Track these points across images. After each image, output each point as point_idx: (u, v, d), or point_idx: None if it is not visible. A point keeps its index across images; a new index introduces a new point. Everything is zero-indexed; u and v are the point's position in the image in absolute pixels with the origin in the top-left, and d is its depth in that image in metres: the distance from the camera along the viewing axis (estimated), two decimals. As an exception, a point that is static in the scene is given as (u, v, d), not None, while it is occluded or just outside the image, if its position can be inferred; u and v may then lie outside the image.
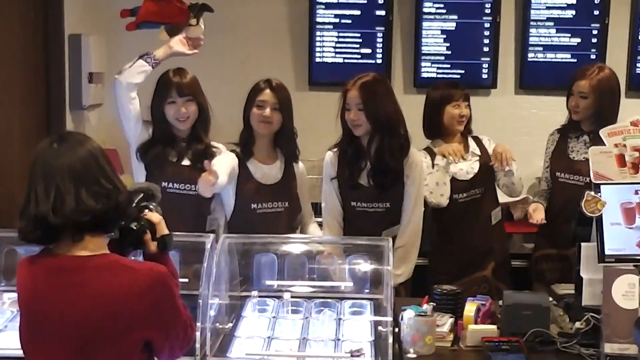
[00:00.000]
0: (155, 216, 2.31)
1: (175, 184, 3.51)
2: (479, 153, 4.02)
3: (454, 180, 3.91)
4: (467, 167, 3.99)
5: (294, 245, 3.28)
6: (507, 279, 3.99)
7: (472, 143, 4.04)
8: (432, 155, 3.96)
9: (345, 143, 3.56)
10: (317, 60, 5.29)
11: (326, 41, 5.27)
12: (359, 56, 5.28)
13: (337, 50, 5.29)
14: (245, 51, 5.20)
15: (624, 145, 3.06)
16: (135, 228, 2.24)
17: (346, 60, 5.27)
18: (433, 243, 3.97)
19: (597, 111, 3.86)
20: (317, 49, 5.28)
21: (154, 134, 3.58)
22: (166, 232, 2.31)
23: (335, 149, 3.61)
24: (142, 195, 2.32)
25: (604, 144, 3.09)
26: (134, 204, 2.25)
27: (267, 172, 3.58)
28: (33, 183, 2.05)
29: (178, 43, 3.61)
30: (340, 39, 5.25)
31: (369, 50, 5.26)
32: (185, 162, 3.57)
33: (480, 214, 3.94)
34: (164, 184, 3.48)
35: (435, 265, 3.96)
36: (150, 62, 3.51)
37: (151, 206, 2.31)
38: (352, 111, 3.52)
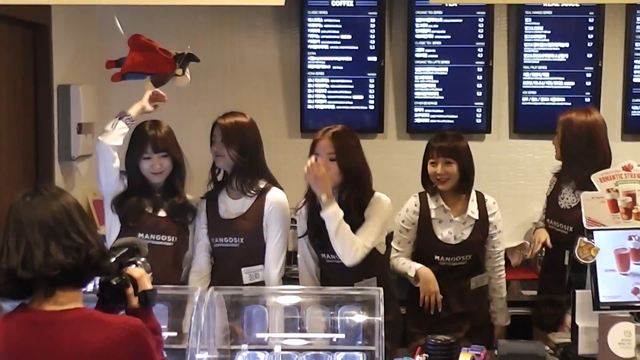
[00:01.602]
0: (136, 271, 2.36)
1: (151, 235, 3.53)
2: (476, 217, 3.87)
3: (438, 242, 3.80)
4: (457, 232, 3.86)
5: (285, 297, 3.29)
6: (486, 340, 3.80)
7: (472, 204, 3.88)
8: (424, 200, 3.88)
9: (313, 196, 3.56)
10: (309, 107, 5.28)
11: (318, 88, 5.26)
12: (351, 102, 5.27)
13: (329, 96, 5.27)
14: (236, 97, 5.18)
15: (617, 191, 3.09)
16: (115, 283, 2.26)
17: (338, 107, 5.27)
18: (408, 294, 3.90)
19: (563, 152, 3.89)
20: (309, 96, 5.27)
21: (130, 184, 3.62)
22: (149, 287, 2.34)
23: (304, 203, 3.63)
24: (126, 250, 2.36)
25: (593, 189, 3.09)
26: (113, 259, 2.27)
27: (230, 206, 3.61)
28: (5, 236, 2.09)
29: (147, 101, 3.69)
30: (332, 85, 5.25)
31: (361, 97, 5.25)
32: (162, 213, 3.61)
33: (460, 279, 3.85)
34: (140, 234, 3.51)
35: (411, 316, 3.90)
36: (129, 123, 3.58)
37: (139, 262, 2.35)
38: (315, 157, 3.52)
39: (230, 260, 3.56)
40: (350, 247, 3.40)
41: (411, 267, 3.77)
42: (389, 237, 3.86)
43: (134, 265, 2.36)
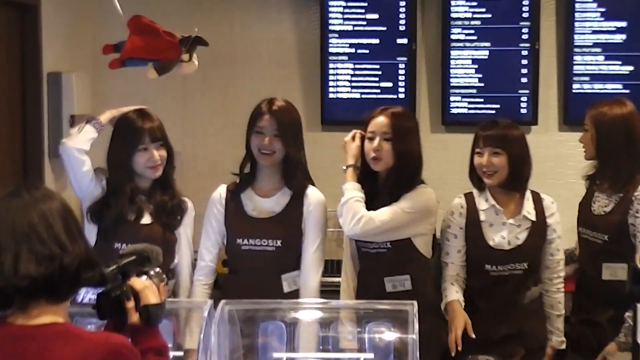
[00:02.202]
0: (139, 282, 2.31)
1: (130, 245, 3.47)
2: (532, 218, 3.81)
3: (489, 249, 3.74)
4: (511, 236, 3.78)
5: (306, 312, 3.27)
6: None
7: (527, 203, 3.83)
8: (471, 201, 3.83)
9: (360, 178, 3.60)
10: (331, 96, 5.26)
11: (340, 74, 5.26)
12: (379, 90, 5.25)
13: (354, 84, 5.26)
14: (247, 86, 5.19)
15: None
16: (112, 295, 2.26)
17: (364, 96, 5.24)
18: None
19: (597, 150, 3.84)
20: (331, 83, 5.27)
21: (110, 187, 3.61)
22: (153, 301, 2.31)
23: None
24: (132, 258, 2.33)
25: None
26: (114, 267, 2.26)
27: (262, 205, 3.61)
28: None
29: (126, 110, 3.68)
30: (357, 72, 5.25)
31: (389, 84, 5.24)
32: (146, 219, 3.62)
33: (513, 292, 3.77)
34: (117, 244, 3.51)
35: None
36: (97, 128, 3.60)
37: (152, 272, 2.33)
38: (375, 140, 3.55)
39: (263, 265, 3.56)
40: (353, 216, 3.48)
41: (446, 296, 3.75)
42: (437, 242, 3.86)
43: (144, 277, 2.34)
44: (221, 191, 3.67)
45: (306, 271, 3.59)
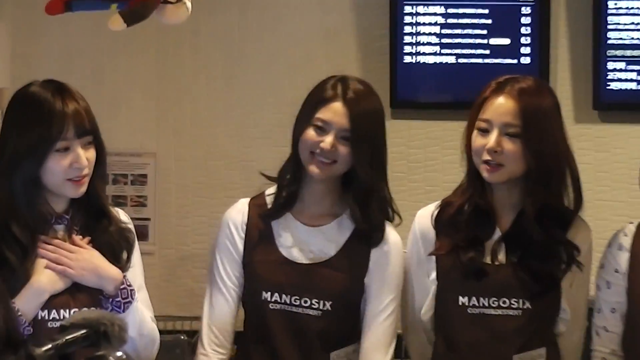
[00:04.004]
0: None
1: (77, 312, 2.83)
2: None
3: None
4: None
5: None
6: None
7: None
8: None
9: (470, 190, 3.19)
10: (407, 60, 4.26)
11: (423, 25, 4.30)
12: (487, 52, 4.23)
13: (445, 41, 4.28)
14: (273, 48, 4.45)
15: None
16: None
17: (461, 60, 4.23)
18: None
19: None
20: (407, 40, 4.26)
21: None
22: None
23: (437, 205, 3.29)
24: (82, 332, 2.07)
25: None
26: (48, 348, 2.03)
27: (306, 239, 3.22)
28: None
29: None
30: (450, 21, 4.30)
31: (505, 41, 4.25)
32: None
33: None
34: (42, 314, 2.97)
35: None
36: None
37: (111, 357, 2.07)
38: (493, 134, 3.11)
39: (303, 336, 3.19)
40: None
41: None
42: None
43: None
44: (242, 210, 3.26)
45: (371, 350, 3.23)
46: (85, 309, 2.80)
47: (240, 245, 3.21)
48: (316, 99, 3.13)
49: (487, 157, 3.03)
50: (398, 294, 3.24)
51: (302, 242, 3.20)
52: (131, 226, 3.11)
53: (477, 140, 3.06)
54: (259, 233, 3.21)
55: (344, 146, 3.08)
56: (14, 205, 2.86)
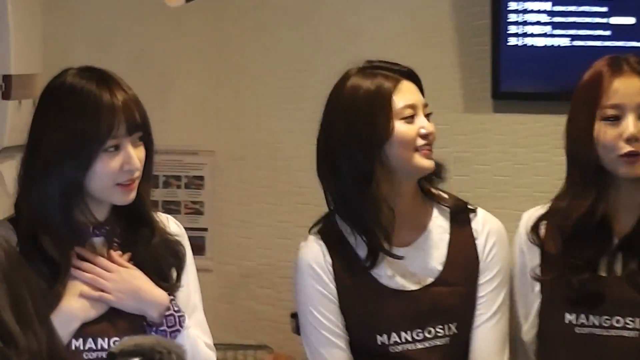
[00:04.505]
0: None
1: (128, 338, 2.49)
2: None
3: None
4: None
5: None
6: None
7: None
8: None
9: (593, 194, 2.82)
10: (512, 43, 3.92)
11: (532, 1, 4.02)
12: (608, 33, 3.86)
13: (557, 19, 3.92)
14: (345, 33, 4.14)
15: None
16: None
17: (576, 42, 3.87)
18: None
19: None
20: (512, 18, 3.92)
21: (25, 232, 2.65)
22: None
23: (540, 209, 3.00)
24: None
25: None
26: None
27: (405, 260, 2.84)
28: None
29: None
30: None
31: (629, 20, 3.89)
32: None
33: None
34: (76, 343, 2.71)
35: None
36: None
37: None
38: (629, 119, 2.77)
39: None
40: None
41: None
42: None
43: None
44: (318, 248, 2.89)
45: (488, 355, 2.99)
46: (134, 336, 2.38)
47: (333, 286, 2.90)
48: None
49: (627, 148, 2.72)
50: (508, 289, 2.99)
51: (402, 266, 2.91)
52: (183, 238, 2.78)
53: (607, 132, 2.75)
54: (349, 268, 2.91)
55: None
56: (48, 216, 2.59)
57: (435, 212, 2.89)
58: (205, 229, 3.91)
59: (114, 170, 2.55)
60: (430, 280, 2.85)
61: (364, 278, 2.91)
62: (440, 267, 2.86)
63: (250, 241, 3.92)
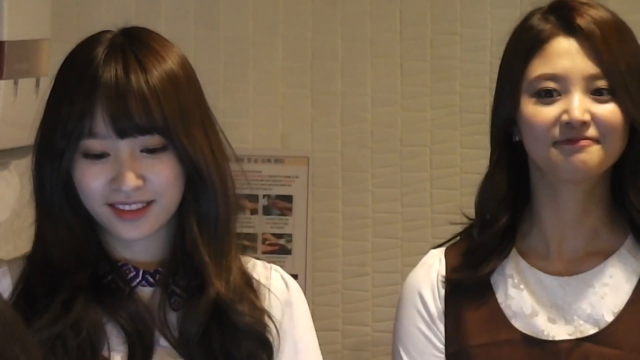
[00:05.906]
0: None
1: None
2: None
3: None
4: None
5: None
6: None
7: None
8: None
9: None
10: None
11: None
12: None
13: None
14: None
15: None
16: None
17: None
18: None
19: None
20: None
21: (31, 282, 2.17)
22: None
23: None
24: None
25: None
26: None
27: (559, 296, 2.53)
28: None
29: None
30: None
31: None
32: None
33: None
34: None
35: None
36: None
37: None
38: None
39: None
40: None
41: None
42: None
43: None
44: (433, 265, 2.55)
45: None
46: None
47: (441, 324, 2.50)
48: (529, 37, 2.45)
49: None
50: None
51: (553, 303, 2.52)
52: (290, 306, 2.16)
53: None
54: (471, 300, 2.51)
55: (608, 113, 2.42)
56: (57, 234, 2.07)
57: (631, 240, 2.44)
58: (294, 276, 2.86)
59: (97, 185, 2.05)
60: (589, 332, 2.42)
61: (490, 315, 2.63)
62: (610, 318, 2.43)
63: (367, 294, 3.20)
